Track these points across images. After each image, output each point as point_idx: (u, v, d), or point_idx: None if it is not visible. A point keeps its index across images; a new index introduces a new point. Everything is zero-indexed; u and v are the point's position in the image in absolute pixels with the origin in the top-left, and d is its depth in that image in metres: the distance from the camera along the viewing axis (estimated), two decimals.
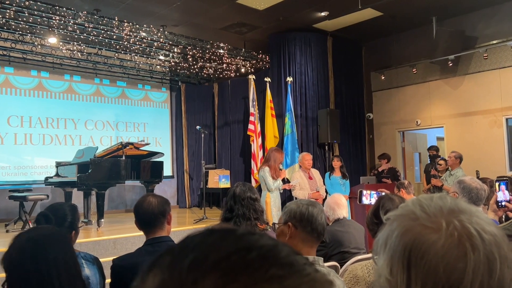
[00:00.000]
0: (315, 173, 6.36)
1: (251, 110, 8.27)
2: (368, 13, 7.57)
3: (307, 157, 6.27)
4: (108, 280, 2.21)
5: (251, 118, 8.23)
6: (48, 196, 6.51)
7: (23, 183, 7.78)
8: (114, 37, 7.20)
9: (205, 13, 7.38)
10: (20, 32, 6.82)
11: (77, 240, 2.47)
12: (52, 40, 7.06)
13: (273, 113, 8.11)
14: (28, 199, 6.14)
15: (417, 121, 8.63)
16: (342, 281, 1.84)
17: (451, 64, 7.83)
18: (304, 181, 6.11)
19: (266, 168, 5.48)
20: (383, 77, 8.91)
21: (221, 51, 8.24)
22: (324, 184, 6.49)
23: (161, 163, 7.06)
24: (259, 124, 8.21)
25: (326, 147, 8.21)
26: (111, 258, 2.23)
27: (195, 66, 8.96)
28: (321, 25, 8.16)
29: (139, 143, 6.78)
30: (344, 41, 8.85)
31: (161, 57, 8.53)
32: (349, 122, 8.91)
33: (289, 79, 8.00)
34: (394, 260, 0.64)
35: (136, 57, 8.30)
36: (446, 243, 0.61)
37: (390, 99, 9.08)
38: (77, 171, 6.17)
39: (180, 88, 10.23)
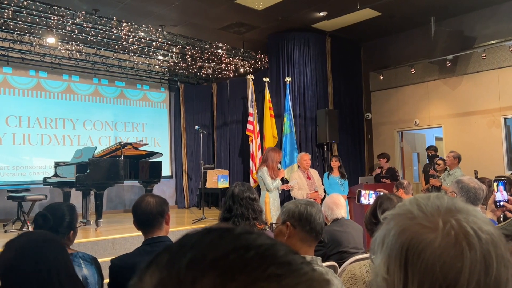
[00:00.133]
0: (314, 173, 6.36)
1: (250, 110, 8.27)
2: (367, 13, 7.57)
3: (306, 157, 6.27)
4: (106, 280, 2.21)
5: (250, 118, 8.23)
6: (46, 196, 6.50)
7: (21, 183, 7.76)
8: (113, 37, 7.20)
9: (204, 13, 7.38)
10: (19, 32, 6.81)
11: (76, 240, 2.47)
12: (51, 40, 7.05)
13: (272, 113, 8.11)
14: (27, 199, 6.12)
15: (415, 121, 8.64)
16: (341, 281, 1.85)
17: (449, 64, 7.84)
18: (303, 181, 6.11)
19: (265, 168, 5.50)
20: (381, 77, 8.92)
21: (220, 51, 8.24)
22: (322, 184, 6.49)
23: (159, 163, 7.05)
24: (257, 124, 8.21)
25: (325, 147, 8.21)
26: (110, 258, 2.24)
27: (194, 66, 8.95)
28: (319, 25, 8.16)
29: (137, 143, 6.78)
30: (343, 41, 8.86)
31: (160, 57, 8.52)
32: (348, 122, 8.92)
33: (288, 79, 8.00)
34: (391, 259, 0.64)
35: (134, 57, 8.29)
36: (443, 242, 0.61)
37: (388, 99, 9.09)
38: (75, 171, 6.16)
39: (179, 88, 10.22)
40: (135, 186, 8.85)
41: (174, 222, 7.28)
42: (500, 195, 2.43)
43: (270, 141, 7.93)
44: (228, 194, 2.88)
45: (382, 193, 2.66)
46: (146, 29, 7.27)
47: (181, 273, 0.39)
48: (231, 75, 9.28)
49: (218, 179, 8.92)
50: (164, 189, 9.44)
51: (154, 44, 7.71)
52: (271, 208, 5.45)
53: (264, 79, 8.22)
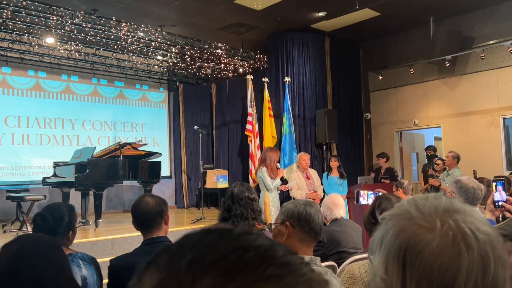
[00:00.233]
0: (313, 173, 6.36)
1: (249, 110, 8.27)
2: (366, 13, 7.58)
3: (305, 157, 6.27)
4: (105, 281, 2.21)
5: (249, 118, 8.23)
6: (45, 196, 6.50)
7: (20, 184, 7.76)
8: (112, 37, 7.19)
9: (203, 13, 7.38)
10: (18, 32, 6.80)
11: (75, 241, 2.47)
12: (50, 40, 7.04)
13: (271, 113, 8.11)
14: (26, 199, 6.12)
15: (414, 121, 8.65)
16: (339, 281, 1.85)
17: (448, 64, 7.85)
18: (302, 181, 6.11)
19: (264, 169, 5.51)
20: (380, 77, 8.93)
21: (219, 51, 8.24)
22: (321, 184, 6.49)
23: (159, 163, 7.05)
24: (257, 124, 8.21)
25: (324, 147, 8.22)
26: (109, 259, 2.23)
27: (193, 66, 8.95)
28: (319, 25, 8.16)
29: (137, 143, 6.77)
30: (342, 41, 8.86)
31: (159, 57, 8.52)
32: (347, 122, 8.92)
33: (287, 79, 8.01)
34: (389, 259, 0.64)
35: (134, 57, 8.28)
36: (440, 242, 0.61)
37: (387, 99, 9.09)
38: (74, 171, 6.16)
39: (178, 88, 10.21)
40: (134, 186, 8.84)
41: (173, 222, 7.28)
42: (499, 195, 2.42)
43: (269, 141, 7.93)
44: (228, 194, 2.88)
45: (380, 193, 2.66)
46: (145, 29, 7.27)
47: (181, 273, 0.39)
48: (230, 75, 9.28)
49: (217, 179, 8.92)
50: (163, 189, 9.44)
51: (153, 44, 7.70)
52: (271, 208, 5.45)
53: (263, 79, 8.22)
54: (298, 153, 7.04)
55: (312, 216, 1.88)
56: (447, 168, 6.32)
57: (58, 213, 2.25)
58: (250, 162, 8.19)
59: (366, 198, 3.31)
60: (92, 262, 2.26)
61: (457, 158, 6.22)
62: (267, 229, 2.82)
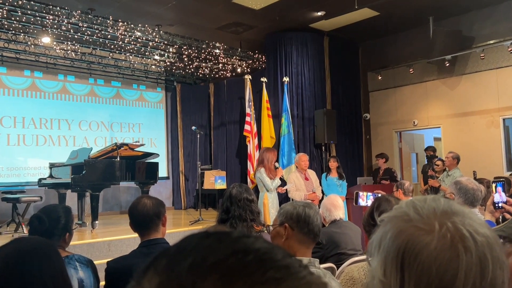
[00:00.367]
0: (312, 174, 6.33)
1: (247, 110, 8.24)
2: (365, 13, 7.56)
3: (304, 158, 6.24)
4: (102, 283, 2.20)
5: (247, 119, 8.20)
6: (41, 197, 6.44)
7: (16, 185, 7.69)
8: (109, 36, 7.15)
9: (201, 12, 7.35)
10: (13, 32, 6.76)
11: (71, 242, 2.45)
12: (46, 39, 7.00)
13: (270, 113, 8.08)
14: (21, 200, 6.07)
15: (414, 122, 8.63)
16: (338, 283, 1.85)
17: (448, 64, 7.83)
18: (300, 182, 6.08)
19: (262, 169, 5.51)
20: (380, 77, 8.91)
21: (217, 51, 8.20)
22: (320, 185, 6.46)
23: (156, 164, 7.01)
24: (255, 125, 8.18)
25: (323, 147, 8.19)
26: (106, 261, 2.24)
27: (191, 66, 8.92)
28: (317, 25, 8.14)
29: (134, 143, 6.74)
30: (341, 41, 8.84)
31: (156, 57, 8.48)
32: (346, 122, 8.90)
33: (286, 79, 7.98)
34: (387, 261, 0.65)
35: (131, 57, 8.25)
36: (438, 244, 0.62)
37: (387, 99, 9.07)
38: (71, 172, 6.13)
39: (176, 88, 10.18)
40: (131, 187, 8.80)
41: (171, 223, 7.24)
42: (499, 196, 2.41)
43: (267, 141, 7.90)
44: (226, 195, 2.86)
45: (380, 195, 2.64)
46: (143, 28, 7.22)
47: (181, 277, 0.39)
48: (228, 75, 9.25)
49: (215, 180, 8.88)
50: (161, 190, 9.39)
51: (150, 43, 7.66)
52: (270, 209, 5.42)
53: (262, 79, 8.19)
54: (297, 153, 7.01)
55: (311, 217, 1.89)
56: (447, 168, 6.31)
57: (54, 214, 2.23)
58: (249, 163, 8.15)
59: (365, 199, 3.29)
60: (89, 264, 2.25)
61: (457, 159, 6.21)
62: (265, 231, 2.79)
